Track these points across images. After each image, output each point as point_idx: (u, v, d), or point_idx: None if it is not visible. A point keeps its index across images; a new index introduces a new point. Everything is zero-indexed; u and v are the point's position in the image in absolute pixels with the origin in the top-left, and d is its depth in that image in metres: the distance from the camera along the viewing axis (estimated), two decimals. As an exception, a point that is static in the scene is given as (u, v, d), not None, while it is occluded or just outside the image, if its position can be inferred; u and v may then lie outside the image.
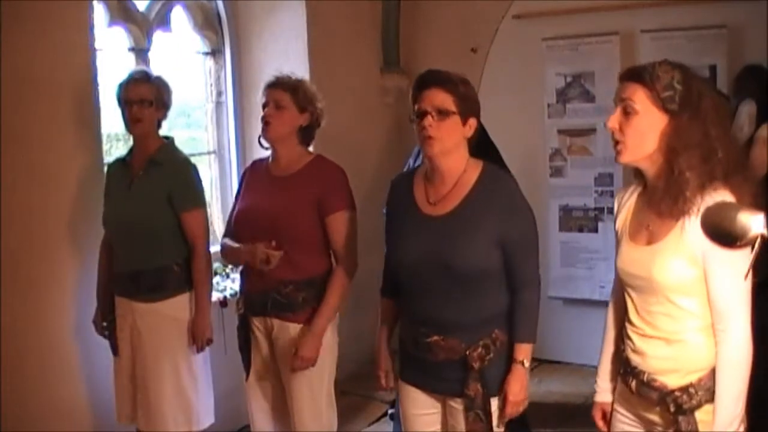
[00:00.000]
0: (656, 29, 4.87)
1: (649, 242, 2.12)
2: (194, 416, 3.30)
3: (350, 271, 3.04)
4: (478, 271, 2.48)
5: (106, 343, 3.38)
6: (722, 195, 1.99)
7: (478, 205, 2.50)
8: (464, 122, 2.50)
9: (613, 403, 2.33)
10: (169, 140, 3.36)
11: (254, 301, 3.07)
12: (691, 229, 2.02)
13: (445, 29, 5.53)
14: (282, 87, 3.04)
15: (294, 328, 3.02)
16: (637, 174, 2.22)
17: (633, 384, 2.17)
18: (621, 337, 2.28)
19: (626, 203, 2.24)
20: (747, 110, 4.29)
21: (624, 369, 2.22)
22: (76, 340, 3.57)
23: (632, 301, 2.18)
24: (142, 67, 3.81)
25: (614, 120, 2.10)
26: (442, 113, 2.46)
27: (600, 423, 2.38)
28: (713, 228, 1.76)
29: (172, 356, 3.24)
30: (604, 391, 2.37)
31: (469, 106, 2.51)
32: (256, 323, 3.10)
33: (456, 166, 2.54)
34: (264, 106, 3.05)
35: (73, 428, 3.54)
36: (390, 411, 4.40)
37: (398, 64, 5.63)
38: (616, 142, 2.12)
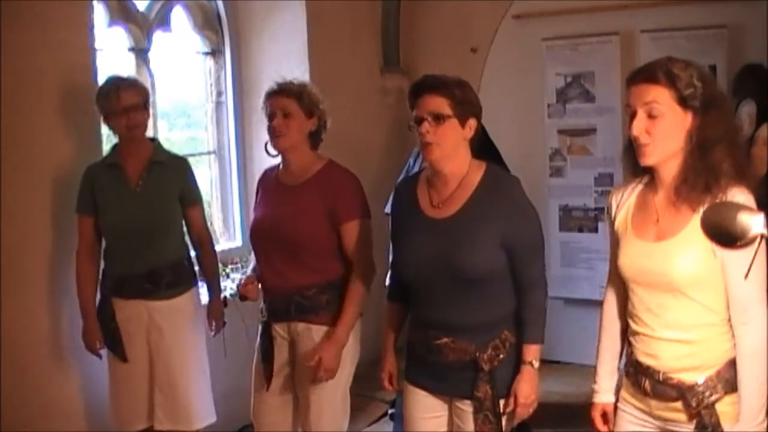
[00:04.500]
0: (656, 29, 4.87)
1: (659, 238, 2.11)
2: (213, 405, 3.42)
3: (367, 279, 2.98)
4: (485, 273, 2.48)
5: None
6: (741, 192, 2.01)
7: (483, 207, 2.49)
8: (462, 124, 2.49)
9: (615, 403, 2.30)
10: (155, 140, 3.47)
11: (277, 306, 3.01)
12: None
13: (445, 29, 5.53)
14: (286, 94, 2.95)
15: (317, 331, 2.95)
16: (636, 171, 2.19)
17: (647, 384, 2.15)
18: (622, 336, 2.26)
19: (626, 201, 2.23)
20: (747, 110, 4.29)
21: (634, 369, 2.20)
22: (72, 341, 3.54)
23: (639, 298, 2.16)
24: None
25: (639, 126, 2.07)
26: (438, 118, 2.46)
27: (600, 424, 2.34)
28: (713, 228, 1.76)
29: (194, 348, 3.37)
30: (605, 392, 2.34)
31: (466, 108, 2.49)
32: (278, 329, 3.04)
33: (458, 169, 2.53)
34: (270, 116, 2.96)
35: (69, 428, 3.53)
36: (390, 411, 4.40)
37: (398, 64, 5.63)
38: (641, 146, 2.09)
